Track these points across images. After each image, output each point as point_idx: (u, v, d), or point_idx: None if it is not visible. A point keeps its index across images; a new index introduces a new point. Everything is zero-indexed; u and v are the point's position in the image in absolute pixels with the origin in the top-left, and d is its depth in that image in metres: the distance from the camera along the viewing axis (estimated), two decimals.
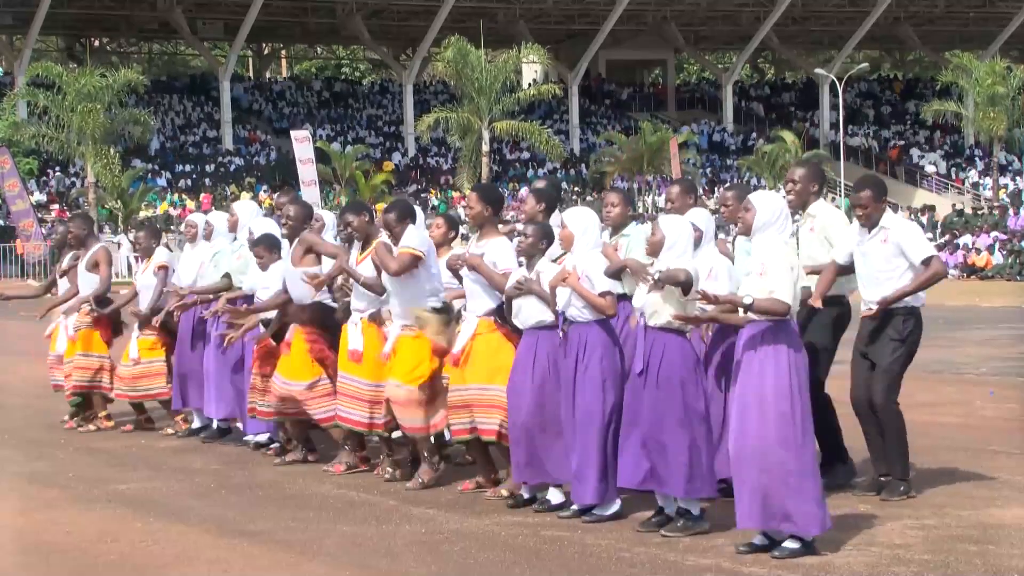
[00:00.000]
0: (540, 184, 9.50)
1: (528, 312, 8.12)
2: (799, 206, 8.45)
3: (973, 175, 58.16)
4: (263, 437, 10.69)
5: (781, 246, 7.07)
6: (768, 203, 7.12)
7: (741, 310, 7.01)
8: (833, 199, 50.69)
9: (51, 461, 10.47)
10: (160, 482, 9.47)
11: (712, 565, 6.81)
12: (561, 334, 7.88)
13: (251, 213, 11.24)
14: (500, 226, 9.08)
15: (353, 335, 9.27)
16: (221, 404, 10.97)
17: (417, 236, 8.78)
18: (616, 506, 7.84)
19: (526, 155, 57.37)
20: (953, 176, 58.33)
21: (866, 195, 8.26)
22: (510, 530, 7.67)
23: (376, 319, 9.23)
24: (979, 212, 45.69)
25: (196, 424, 11.49)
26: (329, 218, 10.54)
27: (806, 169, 8.65)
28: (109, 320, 11.85)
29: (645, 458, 7.39)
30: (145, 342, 11.55)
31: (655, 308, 7.39)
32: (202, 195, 48.86)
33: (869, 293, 8.29)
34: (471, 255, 8.57)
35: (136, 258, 11.97)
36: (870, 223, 8.25)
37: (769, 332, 6.94)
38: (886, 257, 8.19)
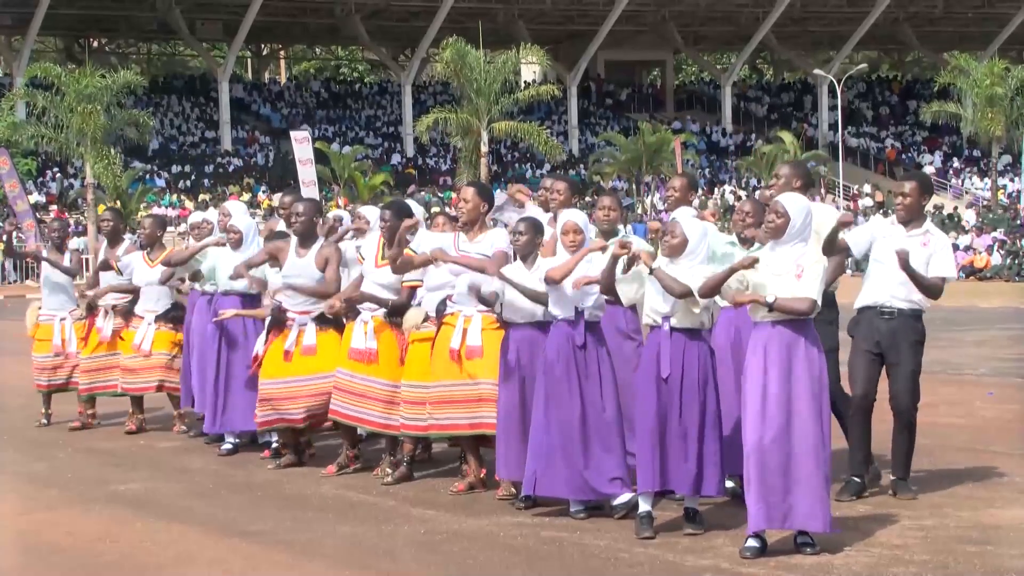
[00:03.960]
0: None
1: (516, 307, 8.14)
2: None
3: (971, 175, 58.16)
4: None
5: (816, 249, 7.16)
6: (798, 207, 7.11)
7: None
8: (833, 200, 50.70)
9: (51, 461, 10.47)
10: (160, 482, 9.48)
11: (711, 566, 6.80)
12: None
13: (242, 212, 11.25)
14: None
15: (360, 334, 9.19)
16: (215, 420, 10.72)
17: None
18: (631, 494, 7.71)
19: (515, 156, 57.32)
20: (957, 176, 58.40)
21: (912, 187, 8.27)
22: (510, 530, 7.66)
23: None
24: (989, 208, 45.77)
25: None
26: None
27: (791, 168, 8.69)
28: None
29: (674, 459, 7.31)
30: (163, 335, 11.55)
31: (679, 311, 7.34)
32: (216, 195, 48.60)
33: (891, 289, 8.18)
34: (442, 252, 8.50)
35: (139, 245, 11.87)
36: (909, 216, 8.21)
37: (793, 330, 6.94)
38: (925, 259, 8.14)
